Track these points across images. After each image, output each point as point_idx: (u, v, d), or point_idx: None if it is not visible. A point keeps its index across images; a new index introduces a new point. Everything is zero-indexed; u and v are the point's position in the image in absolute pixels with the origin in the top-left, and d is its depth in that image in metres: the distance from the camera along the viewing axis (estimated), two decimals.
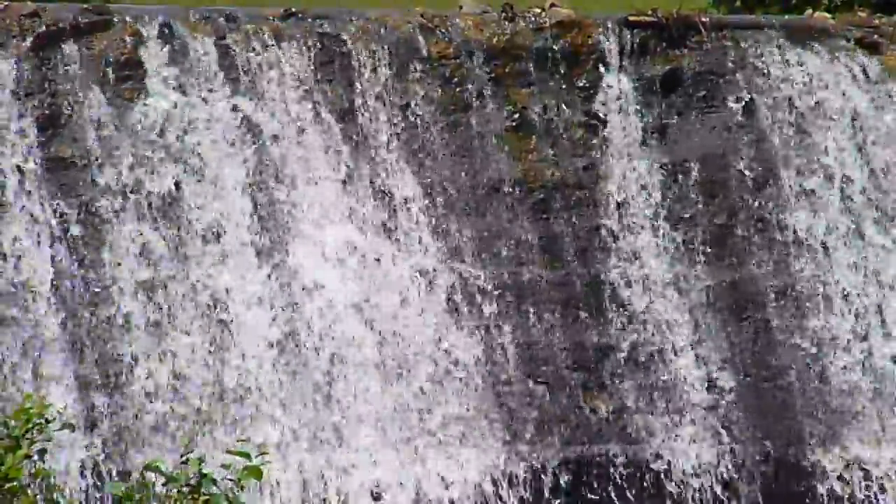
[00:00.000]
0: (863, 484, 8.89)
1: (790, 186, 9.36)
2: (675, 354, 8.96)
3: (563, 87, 9.43)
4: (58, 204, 8.12)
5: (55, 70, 8.32)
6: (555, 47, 9.42)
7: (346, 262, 8.52)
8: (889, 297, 9.12)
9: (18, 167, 8.08)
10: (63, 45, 8.37)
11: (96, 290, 8.06)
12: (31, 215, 8.12)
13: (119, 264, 8.10)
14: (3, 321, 7.83)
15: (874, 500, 8.79)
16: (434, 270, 8.64)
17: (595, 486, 8.65)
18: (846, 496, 8.79)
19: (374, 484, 8.35)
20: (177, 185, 8.34)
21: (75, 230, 8.08)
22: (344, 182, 8.63)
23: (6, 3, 8.88)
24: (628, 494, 8.65)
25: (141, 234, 8.11)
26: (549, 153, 9.26)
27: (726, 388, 8.94)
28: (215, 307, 8.24)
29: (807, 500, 8.76)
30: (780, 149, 9.43)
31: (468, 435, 8.57)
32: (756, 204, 9.31)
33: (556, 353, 8.78)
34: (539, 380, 8.74)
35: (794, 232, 9.16)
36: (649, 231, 9.15)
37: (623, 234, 9.11)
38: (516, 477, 8.53)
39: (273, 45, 8.74)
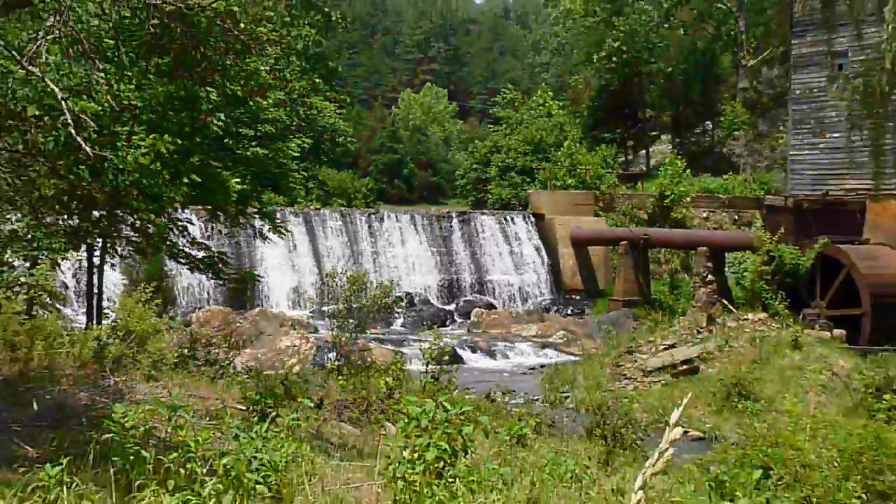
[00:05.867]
0: (497, 289, 39.31)
1: (469, 243, 41.03)
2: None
3: None
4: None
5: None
6: None
7: (405, 247, 38.83)
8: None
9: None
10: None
11: (375, 253, 39.46)
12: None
13: (374, 249, 38.92)
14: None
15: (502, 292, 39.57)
16: (427, 249, 39.38)
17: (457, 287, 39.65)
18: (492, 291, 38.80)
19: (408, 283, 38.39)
20: (375, 239, 39.67)
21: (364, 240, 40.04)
22: (407, 235, 39.79)
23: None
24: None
25: (375, 243, 39.64)
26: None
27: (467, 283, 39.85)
28: (379, 261, 38.70)
29: (485, 288, 39.87)
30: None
31: (429, 272, 38.90)
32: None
33: (459, 260, 39.61)
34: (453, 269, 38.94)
35: (479, 247, 40.71)
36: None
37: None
38: (438, 283, 39.14)
39: (397, 221, 41.13)
